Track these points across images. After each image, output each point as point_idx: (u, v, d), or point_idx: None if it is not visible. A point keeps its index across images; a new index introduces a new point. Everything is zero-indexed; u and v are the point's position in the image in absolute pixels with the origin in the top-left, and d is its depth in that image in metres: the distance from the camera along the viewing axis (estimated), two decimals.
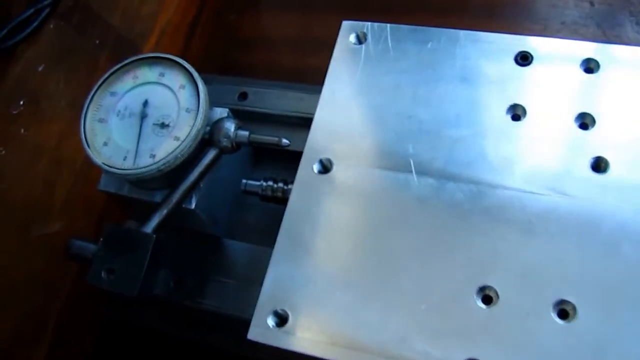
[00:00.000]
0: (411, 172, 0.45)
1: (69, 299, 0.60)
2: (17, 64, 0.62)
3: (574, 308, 0.38)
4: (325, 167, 0.47)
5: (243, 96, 0.58)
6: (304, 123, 0.54)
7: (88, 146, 0.49)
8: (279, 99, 0.57)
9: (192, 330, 0.57)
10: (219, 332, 0.56)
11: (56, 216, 0.61)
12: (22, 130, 0.63)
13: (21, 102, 0.64)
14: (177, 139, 0.47)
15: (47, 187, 0.63)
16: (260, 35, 0.73)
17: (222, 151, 0.48)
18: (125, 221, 0.58)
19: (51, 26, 0.63)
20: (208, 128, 0.48)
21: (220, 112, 0.50)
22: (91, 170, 0.64)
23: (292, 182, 0.51)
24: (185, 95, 0.48)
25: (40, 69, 0.65)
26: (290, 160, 0.52)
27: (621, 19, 0.63)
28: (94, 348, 0.62)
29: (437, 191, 0.44)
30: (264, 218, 0.56)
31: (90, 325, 0.62)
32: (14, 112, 0.63)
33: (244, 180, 0.52)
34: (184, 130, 0.47)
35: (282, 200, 0.52)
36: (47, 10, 0.61)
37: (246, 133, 0.48)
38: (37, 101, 0.65)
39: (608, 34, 0.62)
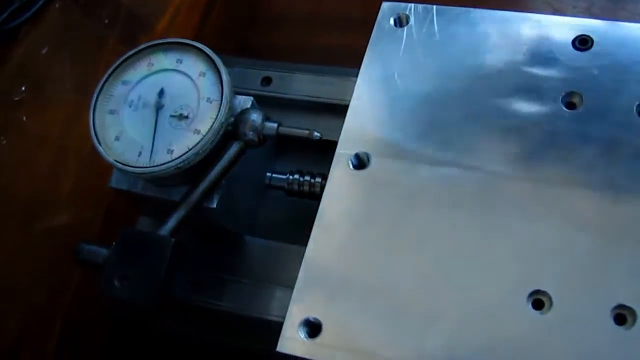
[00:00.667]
0: (458, 165, 0.41)
1: (77, 294, 0.57)
2: (19, 47, 0.58)
3: (634, 313, 0.35)
4: (362, 162, 0.43)
5: (267, 81, 0.54)
6: (333, 109, 0.50)
7: (98, 142, 0.44)
8: (305, 84, 0.53)
9: (208, 331, 0.53)
10: (238, 333, 0.52)
11: (62, 208, 0.58)
12: (24, 118, 0.59)
13: (23, 88, 0.60)
14: (197, 132, 0.43)
15: (51, 177, 0.59)
16: (281, 14, 0.68)
17: (248, 145, 0.44)
18: (138, 219, 0.54)
19: (56, 5, 0.58)
20: (232, 119, 0.44)
21: (244, 100, 0.46)
22: (99, 158, 0.61)
23: (319, 175, 0.48)
24: (205, 84, 0.44)
25: (44, 51, 0.61)
26: (316, 149, 0.48)
27: None
28: (104, 344, 0.59)
29: (487, 187, 0.40)
30: (287, 212, 0.52)
31: (100, 320, 0.59)
32: (16, 99, 0.58)
33: (268, 174, 0.48)
34: (205, 122, 0.43)
35: (308, 195, 0.48)
36: None
37: (274, 125, 0.44)
38: (40, 86, 0.61)
39: None
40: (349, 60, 0.53)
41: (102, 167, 0.61)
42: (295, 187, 0.48)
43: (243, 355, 0.54)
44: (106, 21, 0.61)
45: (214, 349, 0.55)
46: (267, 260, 0.50)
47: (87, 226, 0.59)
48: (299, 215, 0.53)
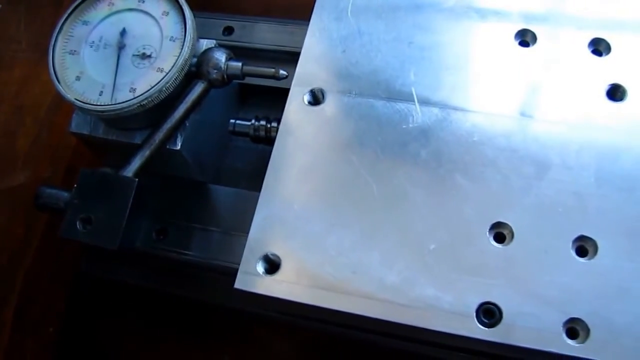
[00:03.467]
0: (413, 101, 0.42)
1: (37, 255, 0.56)
2: None
3: (595, 245, 0.36)
4: (317, 98, 0.43)
5: (228, 31, 0.53)
6: (296, 59, 0.50)
7: (58, 81, 0.44)
8: (268, 33, 0.52)
9: (175, 285, 0.53)
10: (205, 285, 0.52)
11: (20, 168, 0.57)
12: None
13: None
14: (160, 70, 0.43)
15: (8, 137, 0.58)
16: None
17: (212, 84, 0.44)
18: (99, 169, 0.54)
19: None
20: (195, 59, 0.44)
21: (207, 43, 0.46)
22: (57, 117, 0.60)
23: None
24: (169, 23, 0.44)
25: None
26: (281, 99, 0.48)
27: None
28: (66, 305, 0.58)
29: (442, 121, 0.41)
30: (253, 162, 0.52)
31: (61, 282, 0.58)
32: None
33: (232, 120, 0.48)
34: (168, 60, 0.43)
35: (274, 140, 0.48)
36: None
37: (239, 64, 0.44)
38: None
39: None
40: None
41: (61, 127, 0.60)
42: (261, 132, 0.47)
43: (213, 308, 0.54)
44: None
45: (178, 303, 0.55)
46: (233, 208, 0.50)
47: (47, 184, 0.58)
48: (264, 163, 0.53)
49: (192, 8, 0.45)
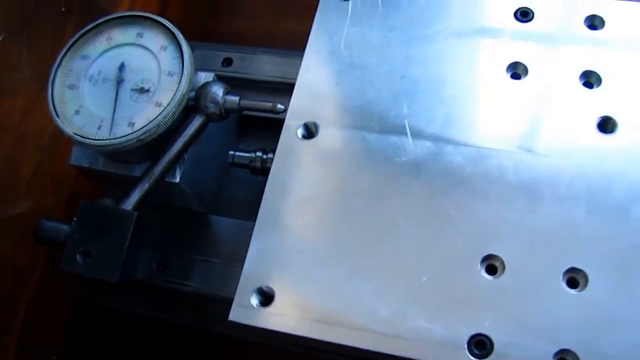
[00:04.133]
0: (406, 134, 0.43)
1: (39, 284, 0.56)
2: None
3: (585, 276, 0.37)
4: (310, 132, 0.44)
5: (227, 62, 0.54)
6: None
7: (57, 115, 0.44)
8: (267, 65, 0.53)
9: (176, 314, 0.54)
10: (206, 314, 0.52)
11: (22, 196, 0.57)
12: None
13: None
14: (158, 105, 0.43)
15: (11, 165, 0.58)
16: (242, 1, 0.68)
17: (209, 118, 0.45)
18: (100, 199, 0.54)
19: None
20: (193, 93, 0.45)
21: (205, 76, 0.47)
22: (59, 146, 0.61)
23: None
24: (167, 58, 0.45)
25: None
26: (279, 130, 0.48)
27: None
28: (69, 334, 0.58)
29: (435, 155, 0.42)
30: (254, 192, 0.53)
31: (64, 310, 0.58)
32: None
33: (231, 152, 0.49)
34: (166, 95, 0.44)
35: None
36: None
37: (236, 98, 0.45)
38: None
39: None
40: None
41: (63, 155, 0.61)
42: (259, 164, 0.48)
43: (214, 337, 0.54)
44: (63, 9, 0.61)
45: (182, 331, 0.55)
46: (232, 239, 0.50)
47: (49, 213, 0.59)
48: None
49: (192, 38, 0.46)
